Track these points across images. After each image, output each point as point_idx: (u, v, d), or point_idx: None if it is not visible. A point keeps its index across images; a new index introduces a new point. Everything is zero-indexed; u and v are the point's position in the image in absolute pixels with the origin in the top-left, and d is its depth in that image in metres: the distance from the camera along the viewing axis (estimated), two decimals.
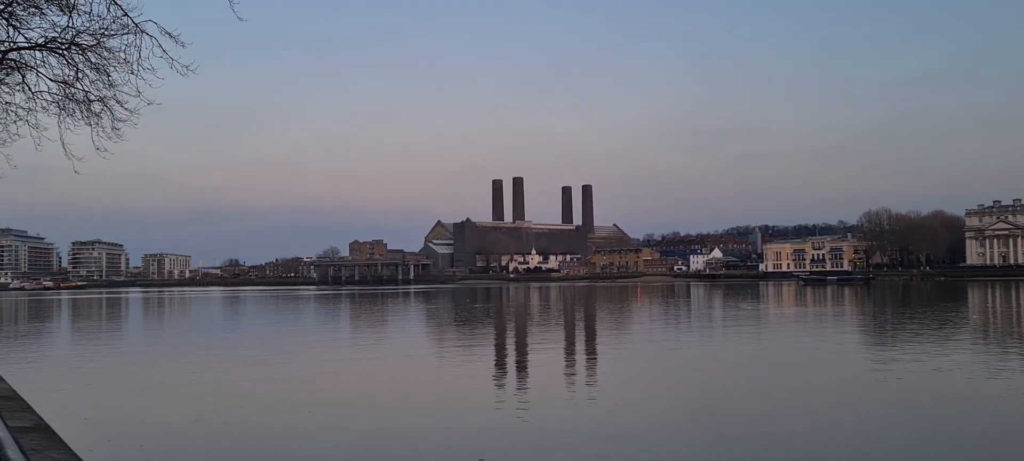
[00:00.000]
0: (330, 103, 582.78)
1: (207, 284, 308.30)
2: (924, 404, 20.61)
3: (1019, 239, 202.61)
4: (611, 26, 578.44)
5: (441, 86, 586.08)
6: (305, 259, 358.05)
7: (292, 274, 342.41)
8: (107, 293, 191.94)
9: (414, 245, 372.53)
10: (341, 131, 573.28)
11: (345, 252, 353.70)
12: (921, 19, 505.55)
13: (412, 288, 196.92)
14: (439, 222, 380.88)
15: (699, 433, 17.31)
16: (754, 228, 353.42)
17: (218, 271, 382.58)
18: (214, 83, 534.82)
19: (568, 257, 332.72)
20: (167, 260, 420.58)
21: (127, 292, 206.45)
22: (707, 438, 16.71)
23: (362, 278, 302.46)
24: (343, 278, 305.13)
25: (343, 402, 21.94)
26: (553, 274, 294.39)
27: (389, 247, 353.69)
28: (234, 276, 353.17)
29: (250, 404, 21.78)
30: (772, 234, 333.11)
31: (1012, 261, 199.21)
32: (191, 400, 22.38)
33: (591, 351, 37.14)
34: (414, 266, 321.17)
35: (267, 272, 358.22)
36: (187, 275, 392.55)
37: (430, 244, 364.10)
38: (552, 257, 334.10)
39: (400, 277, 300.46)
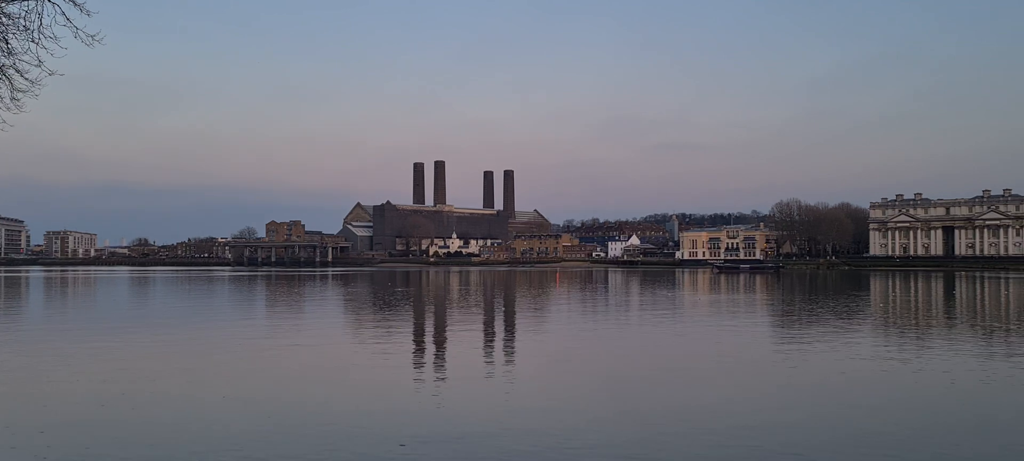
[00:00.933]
0: (249, 81, 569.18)
1: (114, 264, 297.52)
2: (808, 384, 21.35)
3: (918, 231, 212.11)
4: (537, 12, 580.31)
5: (364, 67, 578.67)
6: (220, 239, 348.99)
7: (206, 254, 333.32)
8: (5, 271, 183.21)
9: (333, 227, 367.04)
10: (260, 109, 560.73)
11: (262, 233, 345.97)
12: (834, 19, 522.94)
13: (330, 270, 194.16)
14: (359, 204, 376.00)
15: (611, 423, 17.53)
16: (672, 216, 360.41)
17: (126, 251, 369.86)
18: (126, 55, 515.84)
19: (489, 242, 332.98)
20: (71, 238, 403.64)
21: (27, 271, 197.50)
22: (621, 421, 16.95)
23: (279, 259, 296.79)
24: (259, 259, 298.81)
25: (258, 388, 21.43)
26: (474, 258, 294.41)
27: (307, 228, 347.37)
28: (143, 256, 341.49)
29: (159, 390, 21.10)
30: (689, 222, 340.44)
31: (912, 252, 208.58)
32: (94, 386, 21.55)
33: (510, 336, 37.27)
34: (333, 248, 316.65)
35: (179, 252, 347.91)
36: (93, 254, 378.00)
37: (349, 226, 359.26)
38: (473, 241, 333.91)
39: (318, 259, 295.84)
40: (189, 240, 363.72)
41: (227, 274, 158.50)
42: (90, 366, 25.45)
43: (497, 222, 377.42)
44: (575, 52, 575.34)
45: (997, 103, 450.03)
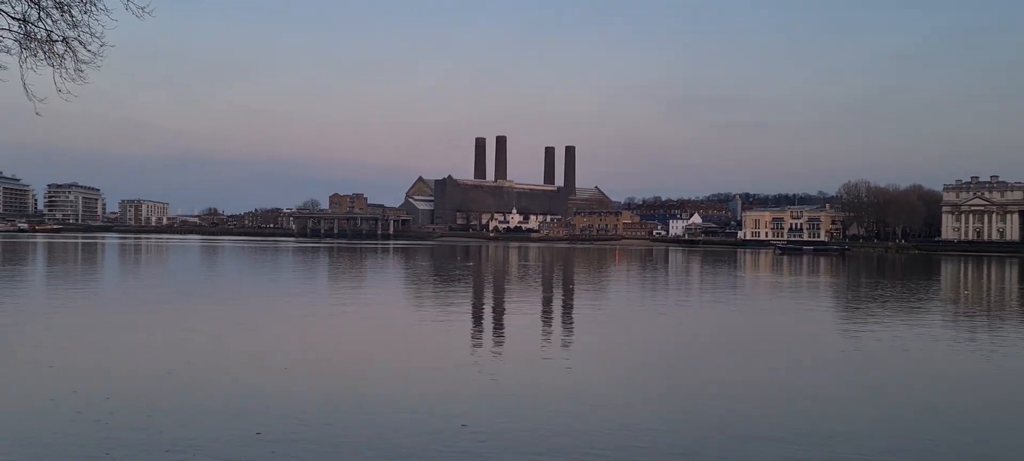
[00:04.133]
0: (313, 56, 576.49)
1: (185, 232, 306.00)
2: (883, 377, 20.90)
3: (994, 215, 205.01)
4: None
5: (426, 41, 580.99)
6: (285, 211, 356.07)
7: (271, 225, 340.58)
8: (83, 238, 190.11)
9: (395, 200, 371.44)
10: (324, 84, 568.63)
11: (325, 205, 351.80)
12: None
13: (391, 243, 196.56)
14: (420, 178, 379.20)
15: (670, 404, 17.47)
16: (734, 196, 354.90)
17: (196, 220, 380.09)
18: (195, 30, 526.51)
19: (548, 218, 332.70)
20: (144, 206, 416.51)
21: (104, 237, 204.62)
22: (677, 408, 16.88)
23: (341, 231, 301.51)
24: (322, 231, 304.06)
25: (321, 362, 21.90)
26: (533, 234, 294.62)
27: (369, 201, 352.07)
28: (213, 225, 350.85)
29: (223, 359, 21.74)
30: (752, 202, 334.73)
31: (986, 237, 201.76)
32: (162, 352, 22.30)
33: (568, 314, 37.30)
34: (394, 221, 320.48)
35: (246, 222, 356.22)
36: (165, 222, 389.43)
37: (411, 200, 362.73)
38: (532, 217, 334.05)
39: (380, 232, 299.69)
40: (255, 211, 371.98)
41: (292, 245, 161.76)
42: (159, 333, 26.29)
43: (557, 198, 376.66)
44: (639, 27, 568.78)
45: None
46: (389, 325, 30.64)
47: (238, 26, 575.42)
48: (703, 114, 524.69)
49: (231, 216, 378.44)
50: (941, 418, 16.32)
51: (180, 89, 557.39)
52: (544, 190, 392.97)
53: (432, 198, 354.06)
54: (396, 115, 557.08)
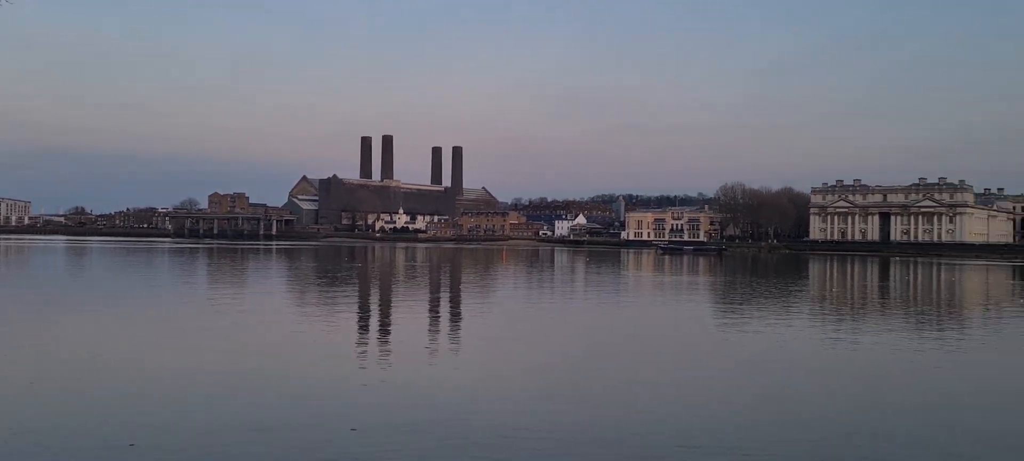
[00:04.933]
0: (193, 49, 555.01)
1: (49, 233, 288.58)
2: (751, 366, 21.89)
3: (856, 216, 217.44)
4: None
5: (312, 39, 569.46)
6: (160, 210, 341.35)
7: (145, 225, 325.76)
8: None
9: (278, 200, 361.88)
10: (204, 78, 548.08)
11: (204, 204, 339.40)
12: (785, 7, 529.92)
13: (274, 244, 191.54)
14: (305, 177, 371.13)
15: (559, 399, 17.70)
16: (618, 196, 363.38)
17: (62, 219, 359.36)
18: (64, 18, 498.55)
19: (436, 218, 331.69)
20: (3, 205, 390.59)
21: None
22: (566, 398, 17.13)
23: (222, 232, 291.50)
24: (201, 231, 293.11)
25: (199, 368, 21.09)
26: (420, 235, 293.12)
27: (251, 201, 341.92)
28: (79, 225, 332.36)
29: (92, 367, 20.66)
30: (635, 203, 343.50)
31: (850, 237, 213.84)
32: (30, 365, 21.01)
33: (456, 314, 37.32)
34: (277, 221, 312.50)
35: (117, 222, 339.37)
36: (26, 222, 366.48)
37: (295, 199, 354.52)
38: (420, 218, 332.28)
39: (262, 232, 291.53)
40: (128, 210, 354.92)
41: (168, 246, 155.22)
42: (22, 342, 24.75)
43: (445, 199, 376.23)
44: (527, 30, 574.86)
45: (935, 97, 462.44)
46: (272, 329, 29.78)
47: (112, 15, 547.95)
48: (589, 115, 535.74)
49: (101, 216, 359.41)
50: (806, 409, 17.17)
51: (44, 80, 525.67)
52: (431, 190, 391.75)
53: (317, 198, 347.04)
54: (280, 112, 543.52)
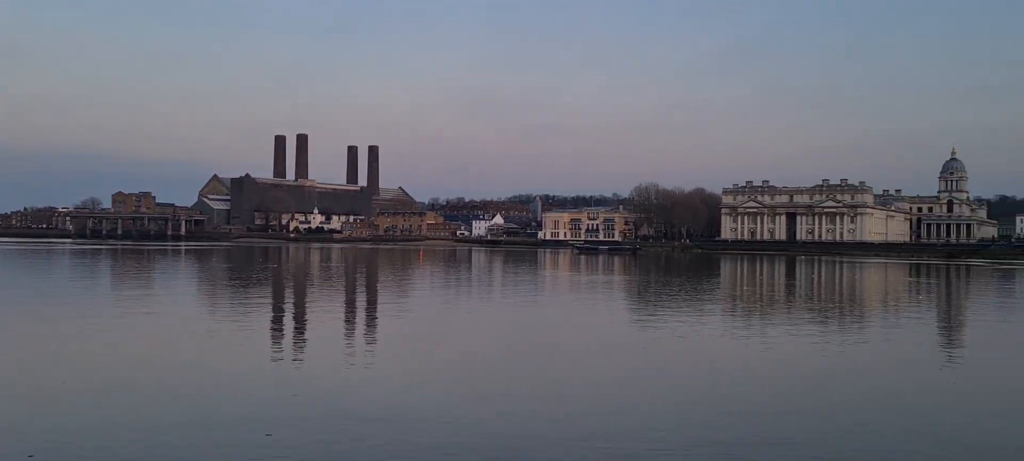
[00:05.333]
0: (100, 41, 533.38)
1: None
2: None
3: (765, 217, 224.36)
4: None
5: (225, 36, 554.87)
6: (61, 209, 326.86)
7: (44, 226, 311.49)
8: None
9: (187, 199, 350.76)
10: (110, 72, 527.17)
11: (108, 204, 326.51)
12: (700, 9, 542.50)
13: (183, 245, 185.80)
14: (215, 176, 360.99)
15: (475, 395, 17.75)
16: (535, 197, 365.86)
17: None
18: None
19: (352, 218, 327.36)
20: None
21: None
22: (480, 398, 17.18)
23: (127, 232, 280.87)
24: (104, 232, 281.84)
25: (105, 374, 20.33)
26: (335, 235, 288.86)
27: (159, 200, 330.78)
28: None
29: None
30: (552, 203, 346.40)
31: (758, 236, 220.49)
32: None
33: (372, 315, 36.98)
34: (186, 222, 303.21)
35: (13, 222, 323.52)
36: None
37: (205, 199, 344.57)
38: (335, 218, 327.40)
39: (170, 233, 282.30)
40: (25, 209, 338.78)
41: (68, 247, 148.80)
42: None
43: (361, 198, 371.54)
44: (445, 30, 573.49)
45: (839, 101, 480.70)
46: (181, 333, 28.89)
47: (11, 3, 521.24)
48: (506, 116, 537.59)
49: None
50: (716, 404, 17.68)
51: None
52: (347, 190, 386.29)
53: (228, 197, 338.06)
54: (189, 109, 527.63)
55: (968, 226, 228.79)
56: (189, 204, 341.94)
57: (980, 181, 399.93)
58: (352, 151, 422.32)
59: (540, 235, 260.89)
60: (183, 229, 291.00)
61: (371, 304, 42.78)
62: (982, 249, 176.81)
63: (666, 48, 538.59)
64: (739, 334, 30.12)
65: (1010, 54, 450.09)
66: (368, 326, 32.32)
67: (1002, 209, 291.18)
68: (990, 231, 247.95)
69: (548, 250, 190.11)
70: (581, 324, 34.64)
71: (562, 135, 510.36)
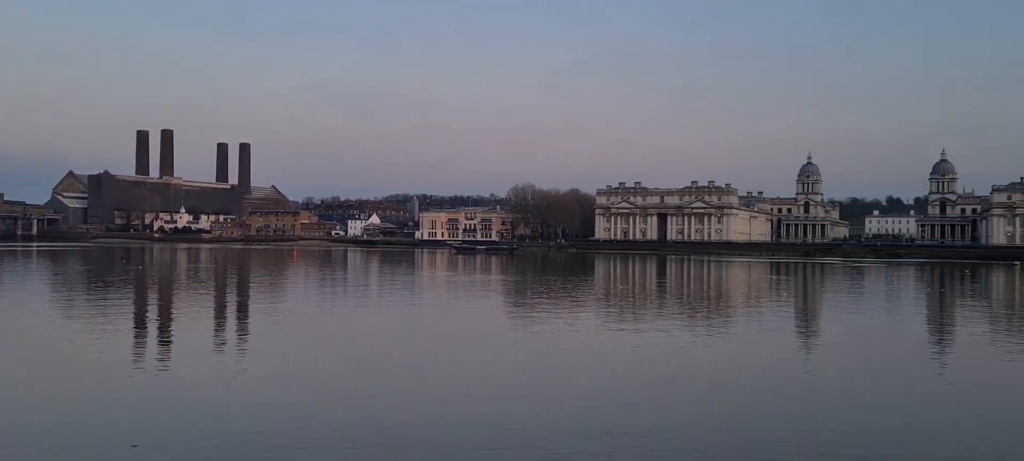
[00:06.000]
0: None
1: None
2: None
3: (637, 217, 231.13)
4: None
5: (81, 22, 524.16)
6: None
7: None
8: None
9: (39, 197, 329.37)
10: None
11: None
12: (576, 13, 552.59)
13: (36, 246, 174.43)
14: (71, 173, 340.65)
15: (348, 398, 17.45)
16: (413, 196, 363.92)
17: None
18: None
19: (222, 218, 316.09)
20: None
21: None
22: (354, 401, 16.92)
23: None
24: None
25: None
26: (204, 235, 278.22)
27: (7, 198, 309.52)
28: None
29: None
30: (430, 203, 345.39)
31: (631, 236, 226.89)
32: None
33: (242, 318, 35.79)
34: (39, 221, 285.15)
35: None
36: None
37: (59, 197, 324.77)
38: (204, 217, 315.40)
39: (20, 232, 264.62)
40: None
41: None
42: None
43: (231, 197, 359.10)
44: (320, 25, 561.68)
45: (706, 105, 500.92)
46: (35, 341, 27.10)
47: None
48: (384, 115, 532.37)
49: None
50: (593, 399, 18.07)
51: None
52: (217, 189, 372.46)
53: (85, 195, 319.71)
54: (42, 101, 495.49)
55: (823, 226, 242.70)
56: (42, 202, 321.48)
57: (834, 184, 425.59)
58: (222, 148, 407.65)
59: (417, 235, 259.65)
60: (35, 229, 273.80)
61: (242, 307, 41.41)
62: (835, 248, 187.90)
63: (544, 51, 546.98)
64: (611, 330, 30.86)
65: (862, 66, 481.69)
66: (240, 330, 31.25)
67: (853, 210, 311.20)
68: (842, 231, 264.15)
69: (425, 250, 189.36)
70: (459, 324, 34.64)
71: (441, 135, 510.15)
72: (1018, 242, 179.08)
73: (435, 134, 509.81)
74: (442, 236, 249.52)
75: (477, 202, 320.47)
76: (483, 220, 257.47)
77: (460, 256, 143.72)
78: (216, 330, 30.88)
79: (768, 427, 15.71)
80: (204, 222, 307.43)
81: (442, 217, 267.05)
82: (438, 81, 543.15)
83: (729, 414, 16.71)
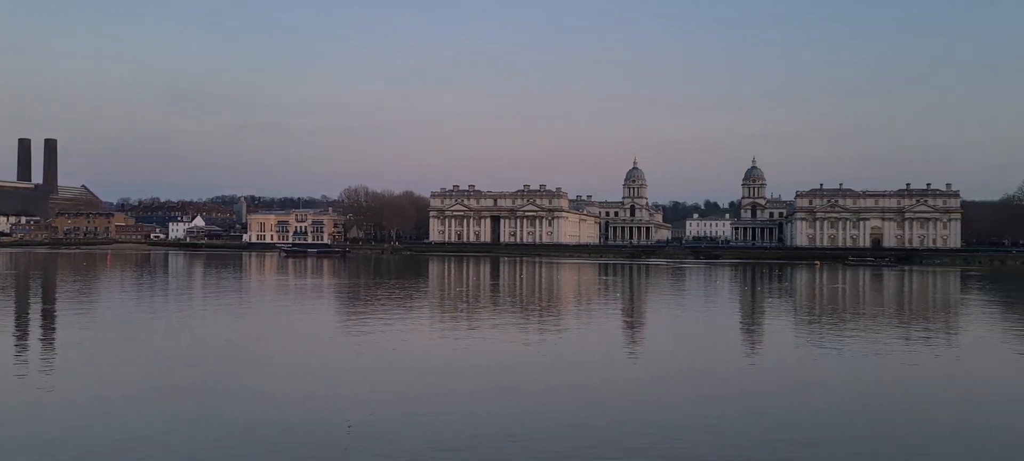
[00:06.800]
0: None
1: None
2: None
3: (471, 220, 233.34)
4: None
5: None
6: None
7: None
8: None
9: None
10: None
11: None
12: (414, 16, 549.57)
13: None
14: None
15: (163, 413, 16.43)
16: (240, 198, 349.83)
17: None
18: None
19: (24, 220, 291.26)
20: None
21: None
22: (177, 404, 15.95)
23: None
24: None
25: None
26: (4, 238, 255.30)
27: None
28: None
29: None
30: (258, 205, 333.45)
31: (465, 238, 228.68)
32: None
33: (48, 327, 32.99)
34: None
35: None
36: None
37: None
38: (3, 219, 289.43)
39: None
40: None
41: None
42: None
43: (35, 197, 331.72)
44: (139, 15, 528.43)
45: (542, 109, 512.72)
46: None
47: None
48: (209, 113, 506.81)
49: None
50: (427, 402, 17.93)
51: None
52: (18, 188, 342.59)
53: None
54: None
55: (648, 229, 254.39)
56: None
57: (658, 188, 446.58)
58: (24, 144, 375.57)
59: (246, 238, 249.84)
60: None
61: (48, 316, 38.17)
62: (659, 249, 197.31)
63: (383, 53, 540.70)
64: (446, 332, 30.84)
65: (683, 75, 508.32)
66: (45, 341, 28.75)
67: (676, 213, 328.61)
68: (666, 233, 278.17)
69: (254, 253, 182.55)
70: (288, 328, 33.51)
71: (270, 135, 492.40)
72: (818, 243, 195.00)
73: (264, 134, 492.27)
74: (272, 239, 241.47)
75: (308, 204, 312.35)
76: (315, 222, 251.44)
77: (290, 259, 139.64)
78: (17, 343, 28.24)
79: (593, 414, 16.13)
80: (3, 224, 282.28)
81: (272, 219, 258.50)
82: (267, 79, 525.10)
83: (559, 406, 17.02)
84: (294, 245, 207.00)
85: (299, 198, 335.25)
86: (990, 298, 57.77)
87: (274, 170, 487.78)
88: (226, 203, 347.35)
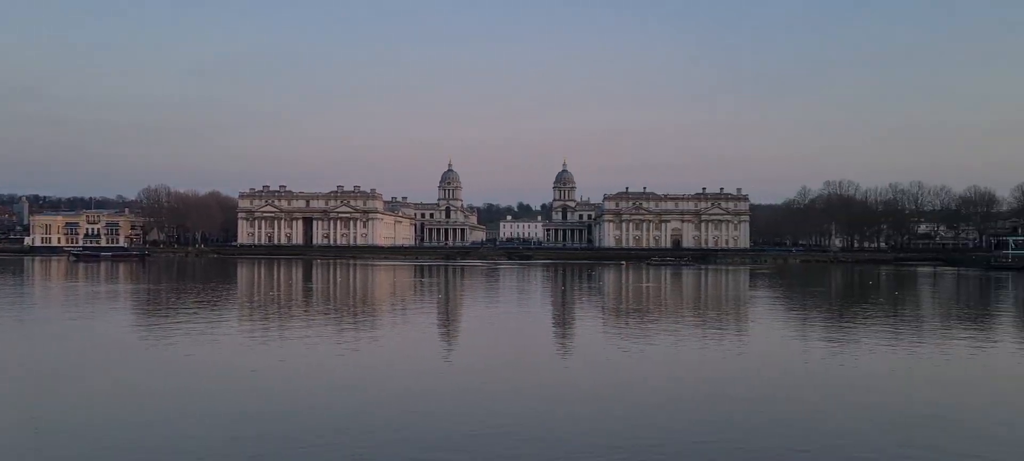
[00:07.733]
0: None
1: None
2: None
3: (283, 221, 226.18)
4: None
5: None
6: None
7: None
8: None
9: None
10: None
11: None
12: (230, 8, 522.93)
13: None
14: None
15: None
16: (21, 197, 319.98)
17: None
18: None
19: None
20: None
21: None
22: None
23: None
24: None
25: None
26: None
27: None
28: None
29: None
30: (43, 205, 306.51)
31: (276, 241, 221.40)
32: None
33: None
34: None
35: None
36: None
37: None
38: None
39: None
40: None
41: None
42: None
43: None
44: None
45: (352, 104, 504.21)
46: None
47: None
48: None
49: None
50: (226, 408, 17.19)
51: None
52: None
53: None
54: None
55: (462, 230, 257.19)
56: None
57: (473, 190, 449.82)
58: None
59: (28, 241, 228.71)
60: None
61: None
62: (474, 250, 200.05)
63: (187, 42, 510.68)
64: (256, 339, 29.78)
65: (496, 76, 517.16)
66: None
67: (490, 215, 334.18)
68: (481, 235, 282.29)
69: (38, 258, 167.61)
70: (84, 341, 31.06)
71: (57, 128, 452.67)
72: (624, 244, 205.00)
73: (51, 127, 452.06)
74: (59, 241, 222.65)
75: (102, 204, 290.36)
76: (109, 224, 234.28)
77: (81, 263, 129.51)
78: None
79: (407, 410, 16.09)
80: None
81: (59, 221, 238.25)
82: (52, 67, 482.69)
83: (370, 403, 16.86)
84: (85, 248, 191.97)
85: (91, 198, 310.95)
86: (775, 294, 63.16)
87: (63, 168, 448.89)
88: (5, 203, 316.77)
